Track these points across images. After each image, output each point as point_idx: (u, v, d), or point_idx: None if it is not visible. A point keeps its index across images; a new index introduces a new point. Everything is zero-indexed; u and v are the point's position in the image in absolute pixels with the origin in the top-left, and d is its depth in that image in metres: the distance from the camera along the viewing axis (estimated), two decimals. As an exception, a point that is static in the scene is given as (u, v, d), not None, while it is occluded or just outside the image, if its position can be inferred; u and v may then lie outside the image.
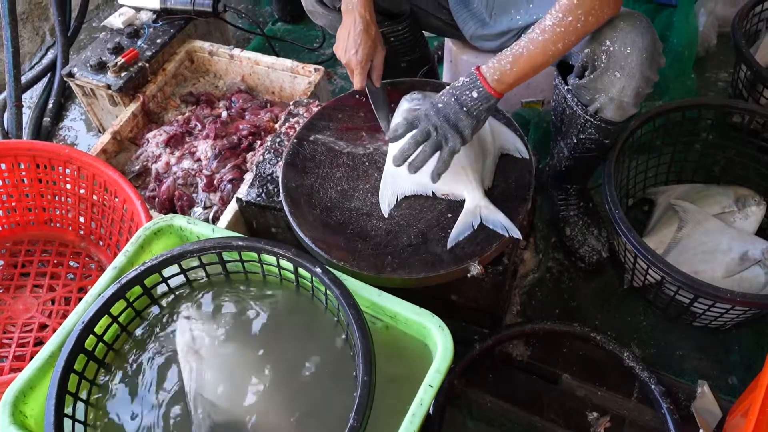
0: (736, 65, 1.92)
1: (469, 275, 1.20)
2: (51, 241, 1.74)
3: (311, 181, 1.34)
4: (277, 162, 1.48)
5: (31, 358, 1.07)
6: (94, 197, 1.64)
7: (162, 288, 1.18)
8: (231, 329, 1.13)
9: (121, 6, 2.05)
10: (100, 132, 2.13)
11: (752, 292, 1.44)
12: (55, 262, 1.71)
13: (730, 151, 1.69)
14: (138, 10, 2.04)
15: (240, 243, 1.15)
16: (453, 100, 1.19)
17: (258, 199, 1.44)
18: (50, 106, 2.23)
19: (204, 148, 1.75)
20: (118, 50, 1.92)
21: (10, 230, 1.72)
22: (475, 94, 1.18)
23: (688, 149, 1.71)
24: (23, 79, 2.16)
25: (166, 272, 1.16)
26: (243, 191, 1.48)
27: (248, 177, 1.53)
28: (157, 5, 2.00)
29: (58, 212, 1.72)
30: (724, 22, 2.16)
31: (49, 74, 2.30)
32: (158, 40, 1.97)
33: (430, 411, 1.32)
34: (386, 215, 1.28)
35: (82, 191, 1.64)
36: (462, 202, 1.26)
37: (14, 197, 1.68)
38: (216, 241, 1.15)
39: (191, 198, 1.74)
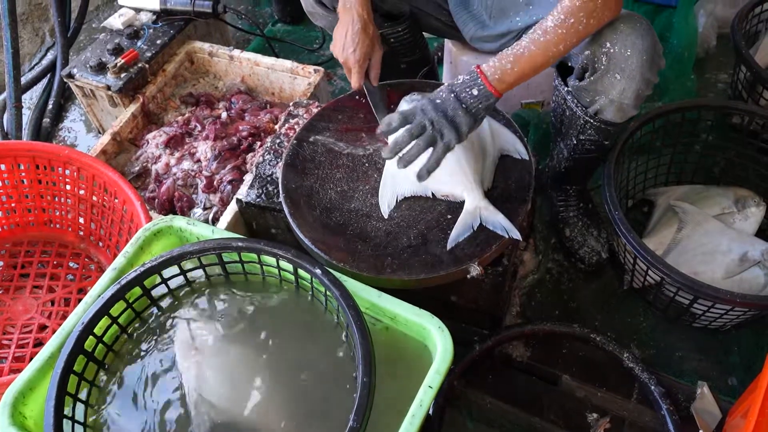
0: (736, 66, 1.92)
1: (468, 276, 1.20)
2: (50, 242, 1.74)
3: (311, 182, 1.34)
4: (277, 163, 1.48)
5: (31, 359, 1.07)
6: (94, 198, 1.64)
7: (162, 289, 1.18)
8: (230, 330, 1.13)
9: (121, 7, 2.05)
10: (99, 133, 2.13)
11: (752, 293, 1.44)
12: (55, 263, 1.70)
13: (729, 153, 1.69)
14: (138, 11, 2.04)
15: (240, 244, 1.14)
16: (452, 96, 1.18)
17: (258, 200, 1.44)
18: (50, 107, 2.23)
19: (204, 149, 1.75)
20: (117, 51, 1.92)
21: (10, 231, 1.72)
22: (475, 92, 1.17)
23: (687, 150, 1.71)
24: (23, 79, 2.16)
25: (166, 273, 1.15)
26: (243, 192, 1.48)
27: (248, 178, 1.53)
28: (156, 6, 2.00)
29: (57, 213, 1.72)
30: (723, 24, 2.16)
31: (48, 75, 2.30)
32: (158, 41, 1.97)
33: (430, 412, 1.32)
34: (386, 216, 1.28)
35: (81, 192, 1.64)
36: (462, 204, 1.25)
37: (14, 198, 1.68)
38: (216, 242, 1.15)
39: (191, 199, 1.73)
